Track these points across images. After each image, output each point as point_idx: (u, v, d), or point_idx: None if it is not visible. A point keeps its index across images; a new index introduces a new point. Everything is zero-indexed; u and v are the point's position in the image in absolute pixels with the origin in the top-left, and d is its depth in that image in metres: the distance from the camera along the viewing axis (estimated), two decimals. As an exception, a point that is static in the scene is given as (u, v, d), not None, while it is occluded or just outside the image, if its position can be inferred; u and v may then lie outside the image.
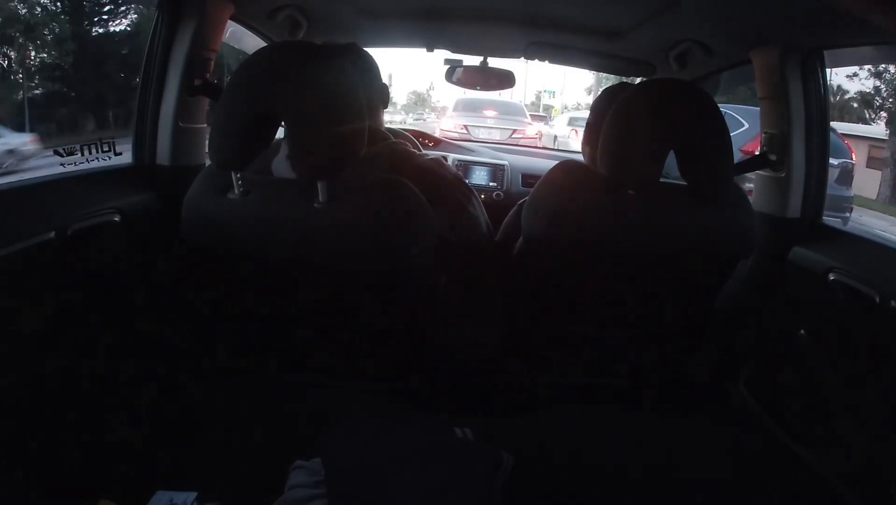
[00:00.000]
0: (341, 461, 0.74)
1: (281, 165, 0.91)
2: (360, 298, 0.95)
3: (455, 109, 5.39)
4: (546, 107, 17.62)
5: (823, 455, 0.94)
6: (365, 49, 1.06)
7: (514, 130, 5.10)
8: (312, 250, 0.85)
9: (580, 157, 1.35)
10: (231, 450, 0.82)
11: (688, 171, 0.90)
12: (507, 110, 5.69)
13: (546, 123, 8.94)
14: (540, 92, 20.28)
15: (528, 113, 6.37)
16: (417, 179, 0.87)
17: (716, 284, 1.06)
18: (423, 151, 1.02)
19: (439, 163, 1.01)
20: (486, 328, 1.16)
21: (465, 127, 4.85)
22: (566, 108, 17.32)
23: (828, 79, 1.13)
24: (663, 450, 0.90)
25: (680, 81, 1.04)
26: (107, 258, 0.95)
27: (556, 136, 7.56)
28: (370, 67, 1.02)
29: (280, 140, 0.91)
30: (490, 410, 1.08)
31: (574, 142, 6.43)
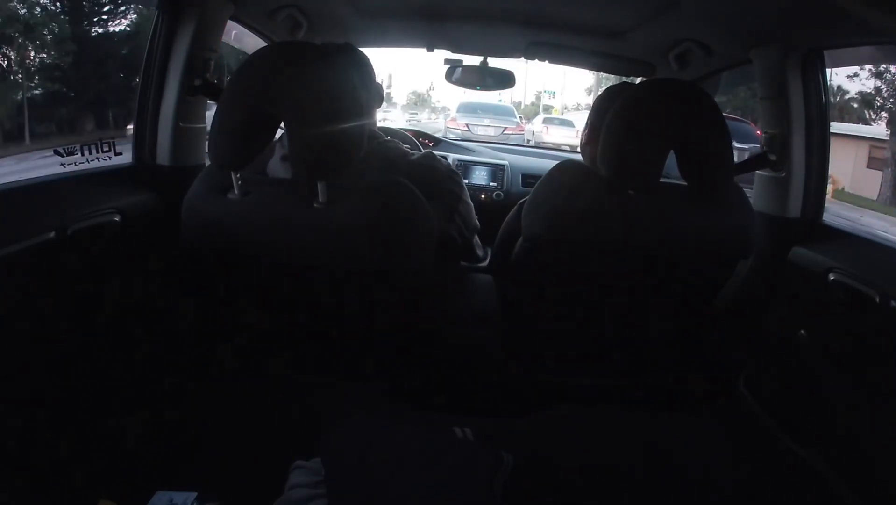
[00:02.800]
0: (341, 461, 0.74)
1: (276, 167, 0.91)
2: (360, 298, 0.95)
3: (458, 111, 7.05)
4: (546, 107, 17.62)
5: (823, 455, 0.94)
6: (360, 49, 1.06)
7: (506, 128, 6.82)
8: (312, 251, 0.85)
9: (565, 153, 1.35)
10: (231, 450, 0.82)
11: (688, 172, 0.90)
12: (500, 112, 7.44)
13: (528, 122, 10.99)
14: (540, 92, 20.25)
15: (517, 114, 8.46)
16: (412, 176, 0.87)
17: (716, 283, 1.06)
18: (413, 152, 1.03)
19: (431, 157, 1.02)
20: (486, 328, 1.16)
21: (467, 125, 6.48)
22: (566, 108, 17.19)
23: (828, 79, 1.13)
24: (663, 450, 0.90)
25: (680, 81, 1.04)
26: (107, 258, 0.95)
27: (533, 132, 8.95)
28: (364, 66, 1.02)
29: (274, 142, 0.91)
30: (490, 410, 1.08)
31: (546, 136, 8.37)
